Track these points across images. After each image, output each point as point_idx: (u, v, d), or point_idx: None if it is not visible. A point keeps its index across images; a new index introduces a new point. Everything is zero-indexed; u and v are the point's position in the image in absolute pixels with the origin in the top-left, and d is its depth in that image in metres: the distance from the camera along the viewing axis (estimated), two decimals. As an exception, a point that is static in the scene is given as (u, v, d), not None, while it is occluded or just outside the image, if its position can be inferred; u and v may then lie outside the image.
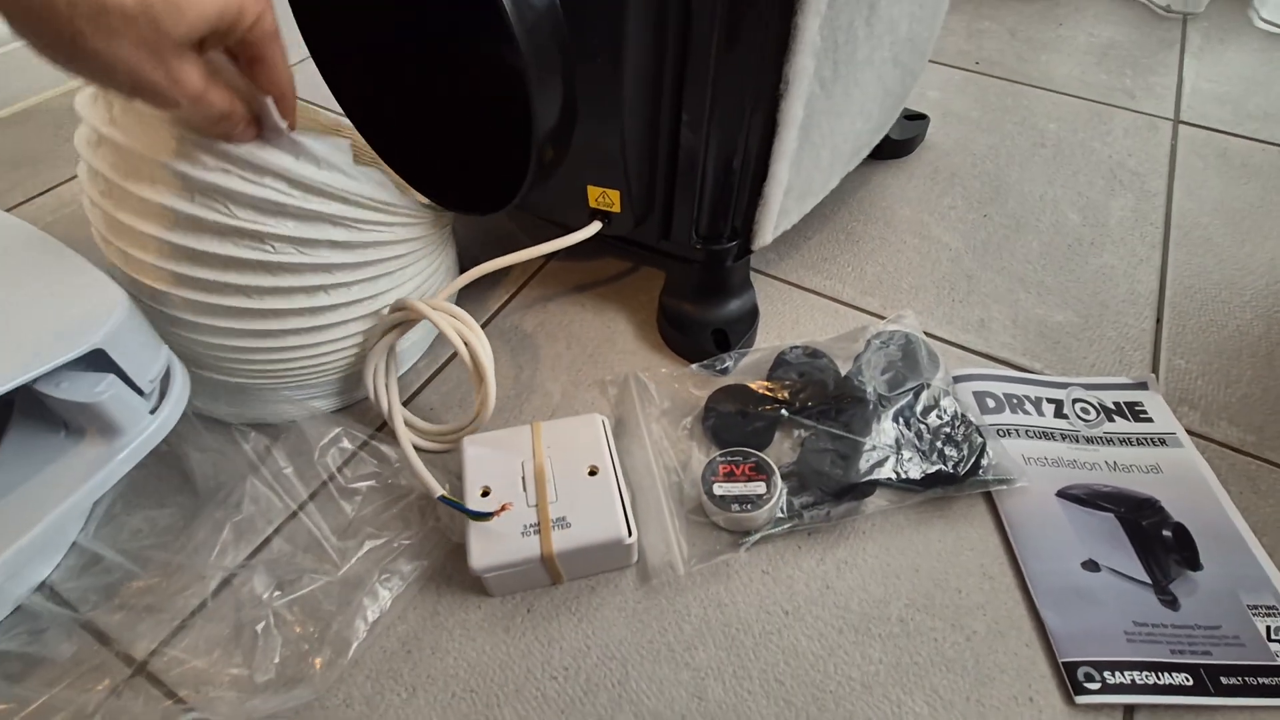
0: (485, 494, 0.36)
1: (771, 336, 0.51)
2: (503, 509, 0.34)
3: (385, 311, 0.39)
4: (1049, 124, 0.71)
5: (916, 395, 0.43)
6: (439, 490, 0.34)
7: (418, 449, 0.38)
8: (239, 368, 0.39)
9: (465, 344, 0.35)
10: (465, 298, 0.52)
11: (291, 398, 0.41)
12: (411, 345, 0.46)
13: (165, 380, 0.36)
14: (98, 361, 0.32)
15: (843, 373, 0.45)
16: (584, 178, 0.41)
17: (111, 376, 0.33)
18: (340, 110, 0.42)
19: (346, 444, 0.42)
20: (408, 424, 0.39)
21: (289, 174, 0.33)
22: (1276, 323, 0.52)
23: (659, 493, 0.41)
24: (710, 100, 0.37)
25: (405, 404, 0.42)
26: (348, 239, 0.35)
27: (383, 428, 0.44)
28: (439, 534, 0.39)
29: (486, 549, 0.34)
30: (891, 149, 0.66)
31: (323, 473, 0.41)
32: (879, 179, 0.64)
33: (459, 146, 0.43)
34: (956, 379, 0.47)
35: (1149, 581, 0.37)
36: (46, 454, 0.34)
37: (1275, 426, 0.45)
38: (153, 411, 0.35)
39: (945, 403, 0.42)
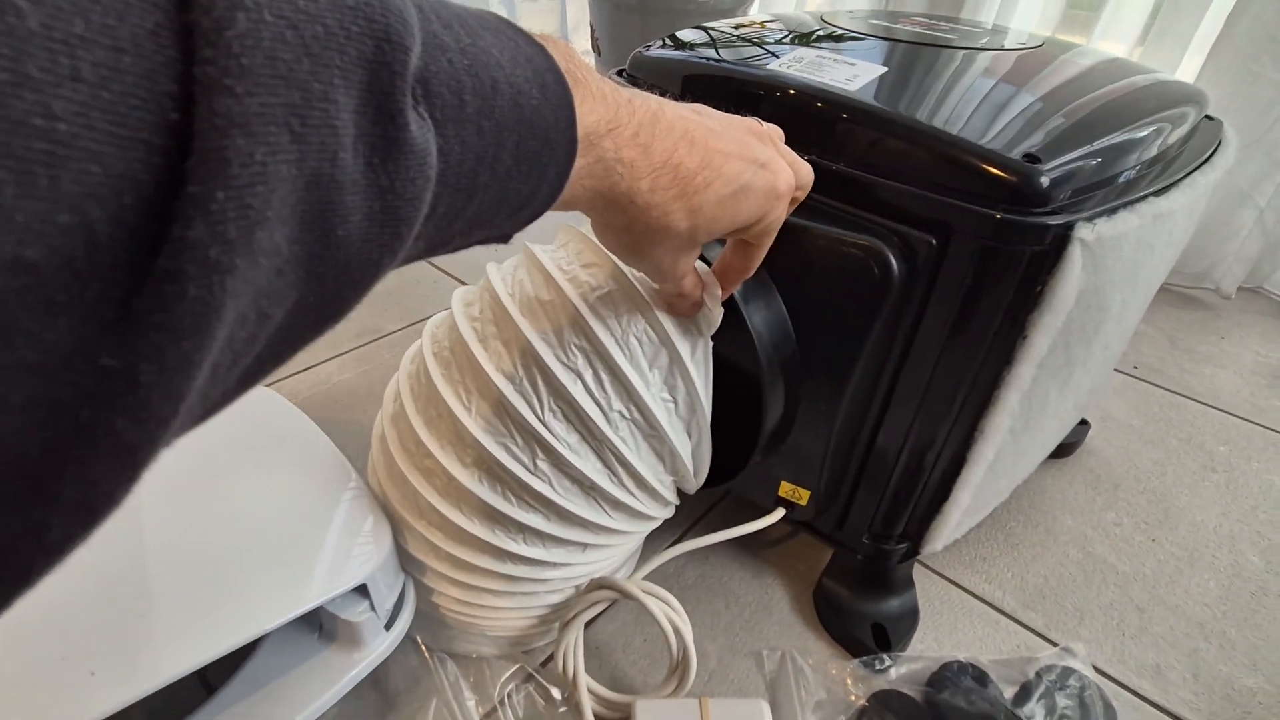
0: (654, 773, 0.38)
1: (929, 639, 0.51)
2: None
3: (582, 586, 0.44)
4: (1219, 446, 0.71)
5: (1094, 755, 0.41)
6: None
7: (595, 716, 0.41)
8: (440, 605, 0.44)
9: (675, 630, 0.39)
10: (638, 537, 0.56)
11: (483, 640, 0.45)
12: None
13: (399, 600, 0.42)
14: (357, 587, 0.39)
15: (1010, 706, 0.44)
16: (780, 474, 0.46)
17: (366, 602, 0.39)
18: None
19: (520, 679, 0.46)
20: (589, 689, 0.42)
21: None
22: None
23: (813, 803, 0.41)
24: (908, 435, 0.42)
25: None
26: (601, 541, 0.41)
27: (548, 663, 0.47)
28: (597, 797, 0.40)
29: (656, 843, 0.35)
30: (1053, 450, 0.67)
31: (496, 702, 0.44)
32: (1039, 480, 0.65)
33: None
34: (1133, 736, 0.44)
35: None
36: (304, 651, 0.40)
37: None
38: (387, 627, 0.41)
39: (1127, 772, 0.40)
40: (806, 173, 0.32)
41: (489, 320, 0.40)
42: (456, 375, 0.40)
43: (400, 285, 0.92)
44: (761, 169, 0.29)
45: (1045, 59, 0.45)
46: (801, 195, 0.33)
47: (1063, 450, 0.68)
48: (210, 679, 0.40)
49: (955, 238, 0.35)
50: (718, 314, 0.38)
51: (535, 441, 0.38)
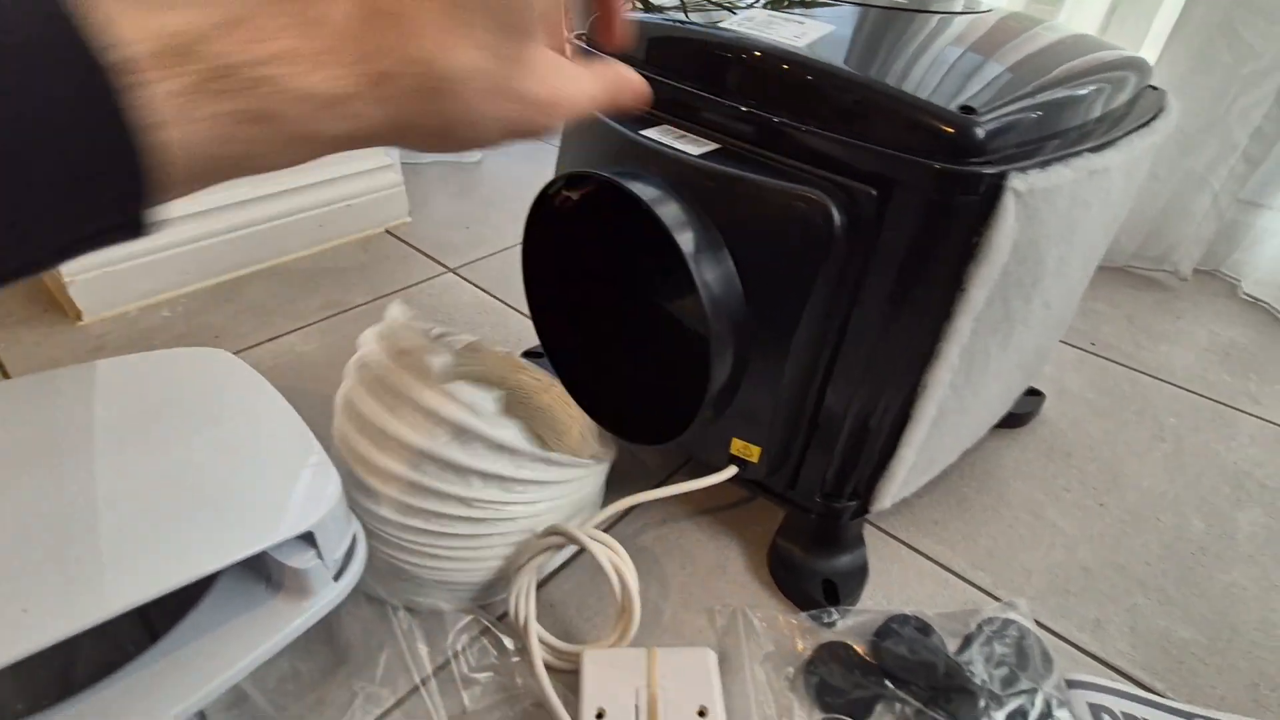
0: (600, 716, 0.39)
1: (878, 595, 0.52)
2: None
3: (538, 532, 0.44)
4: (1169, 418, 0.73)
5: (1030, 699, 0.42)
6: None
7: (545, 664, 0.41)
8: (398, 555, 0.44)
9: (619, 575, 0.40)
10: (596, 500, 0.57)
11: (439, 592, 0.46)
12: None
13: (349, 551, 0.42)
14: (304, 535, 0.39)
15: (951, 653, 0.46)
16: (732, 431, 0.47)
17: (314, 551, 0.39)
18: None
19: (474, 632, 0.46)
20: (540, 639, 0.43)
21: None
22: None
23: (758, 747, 0.42)
24: (855, 391, 0.43)
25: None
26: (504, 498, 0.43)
27: (504, 616, 0.48)
28: (545, 743, 0.41)
29: (598, 781, 0.36)
30: (1008, 420, 0.69)
31: (449, 653, 0.45)
32: (993, 447, 0.67)
33: (637, 391, 0.51)
34: (1070, 683, 0.46)
35: None
36: (251, 599, 0.40)
37: None
38: (336, 578, 0.41)
39: (1060, 714, 0.42)
40: None
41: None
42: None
43: (369, 261, 0.91)
44: None
45: (991, 24, 0.46)
46: None
47: (1018, 421, 0.70)
48: (156, 625, 0.40)
49: (896, 189, 0.36)
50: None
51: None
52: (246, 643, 0.37)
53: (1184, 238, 0.95)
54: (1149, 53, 0.92)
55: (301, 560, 0.39)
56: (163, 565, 0.34)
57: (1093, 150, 0.39)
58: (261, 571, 0.41)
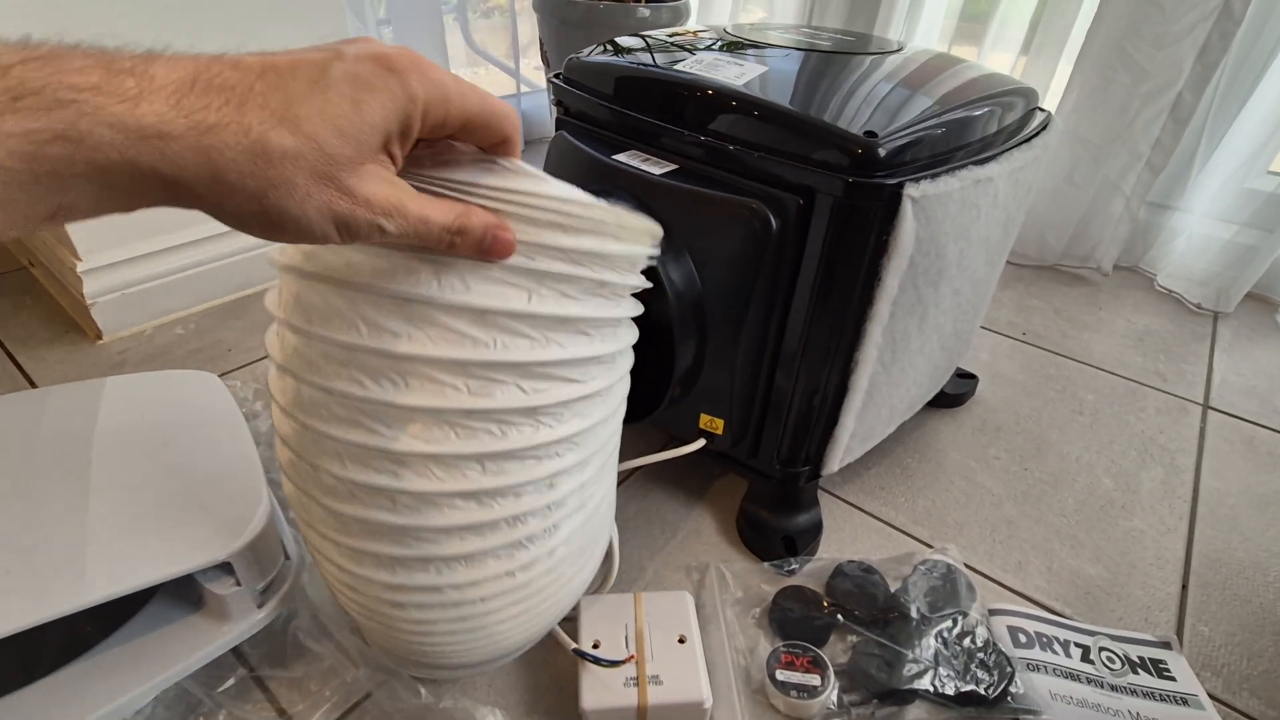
0: (595, 645, 0.46)
1: (832, 548, 0.60)
2: (630, 659, 0.43)
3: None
4: (1087, 395, 0.83)
5: (955, 620, 0.51)
6: (572, 645, 0.45)
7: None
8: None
9: (604, 525, 0.47)
10: (585, 479, 0.64)
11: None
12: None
13: (275, 580, 0.44)
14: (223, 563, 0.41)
15: (892, 590, 0.54)
16: (699, 407, 0.55)
17: (233, 578, 0.42)
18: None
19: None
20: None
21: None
22: (1298, 606, 0.57)
23: (729, 671, 0.49)
24: (798, 369, 0.51)
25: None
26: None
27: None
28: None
29: (596, 693, 0.43)
30: (946, 400, 0.78)
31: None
32: (933, 425, 0.76)
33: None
34: (992, 612, 0.54)
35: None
36: (177, 619, 0.43)
37: (1297, 706, 0.50)
38: (260, 605, 0.43)
39: (979, 631, 0.50)
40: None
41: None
42: None
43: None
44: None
45: (903, 62, 0.55)
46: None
47: (955, 401, 0.79)
48: (89, 636, 0.42)
49: (817, 198, 0.44)
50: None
51: None
52: (163, 660, 0.41)
53: (1103, 238, 1.06)
54: (1063, 77, 1.04)
55: (222, 586, 0.42)
56: (53, 591, 0.37)
57: (977, 163, 0.48)
58: (193, 592, 0.44)
